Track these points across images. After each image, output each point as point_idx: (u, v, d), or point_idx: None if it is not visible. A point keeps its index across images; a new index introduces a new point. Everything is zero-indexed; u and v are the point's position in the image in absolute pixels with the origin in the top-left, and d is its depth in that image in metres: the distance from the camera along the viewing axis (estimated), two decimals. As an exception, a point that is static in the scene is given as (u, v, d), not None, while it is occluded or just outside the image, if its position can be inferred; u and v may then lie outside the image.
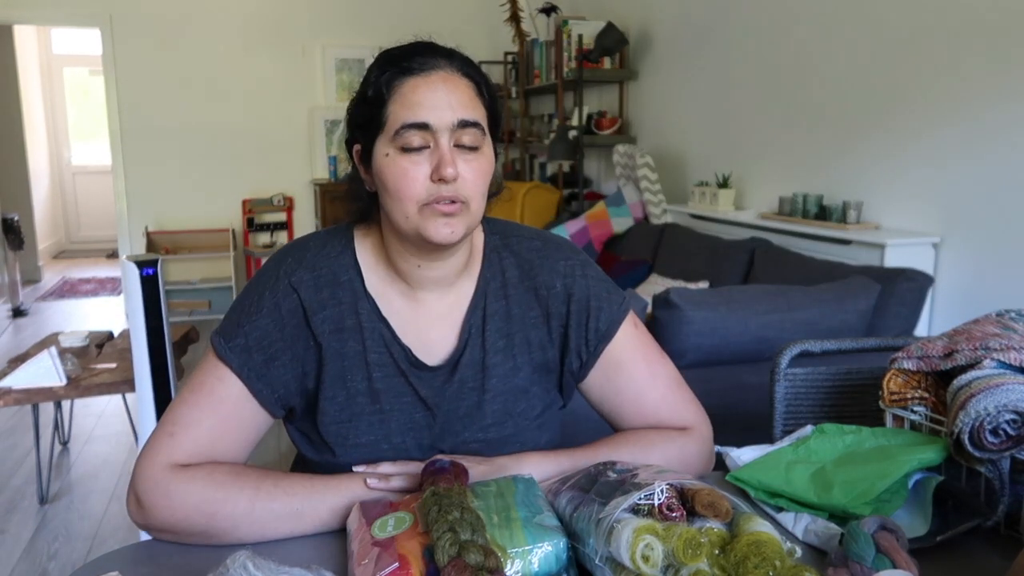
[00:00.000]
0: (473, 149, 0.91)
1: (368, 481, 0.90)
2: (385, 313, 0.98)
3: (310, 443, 1.02)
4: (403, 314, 0.99)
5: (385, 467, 0.94)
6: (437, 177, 0.88)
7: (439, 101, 0.89)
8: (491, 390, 1.00)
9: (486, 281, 1.02)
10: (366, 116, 0.93)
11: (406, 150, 0.89)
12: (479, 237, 1.04)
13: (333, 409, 0.97)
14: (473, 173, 0.91)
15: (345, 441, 0.97)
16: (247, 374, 0.93)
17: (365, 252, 1.00)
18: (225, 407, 0.93)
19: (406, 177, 0.89)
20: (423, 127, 0.89)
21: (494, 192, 0.99)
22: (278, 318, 0.95)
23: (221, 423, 0.93)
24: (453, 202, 0.90)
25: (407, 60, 0.91)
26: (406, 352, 0.98)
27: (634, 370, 1.04)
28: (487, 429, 1.00)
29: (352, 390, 0.97)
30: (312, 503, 0.88)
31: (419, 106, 0.89)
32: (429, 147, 0.89)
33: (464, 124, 0.90)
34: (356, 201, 1.00)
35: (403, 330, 0.99)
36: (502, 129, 1.01)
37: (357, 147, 0.97)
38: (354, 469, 0.94)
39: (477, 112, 0.92)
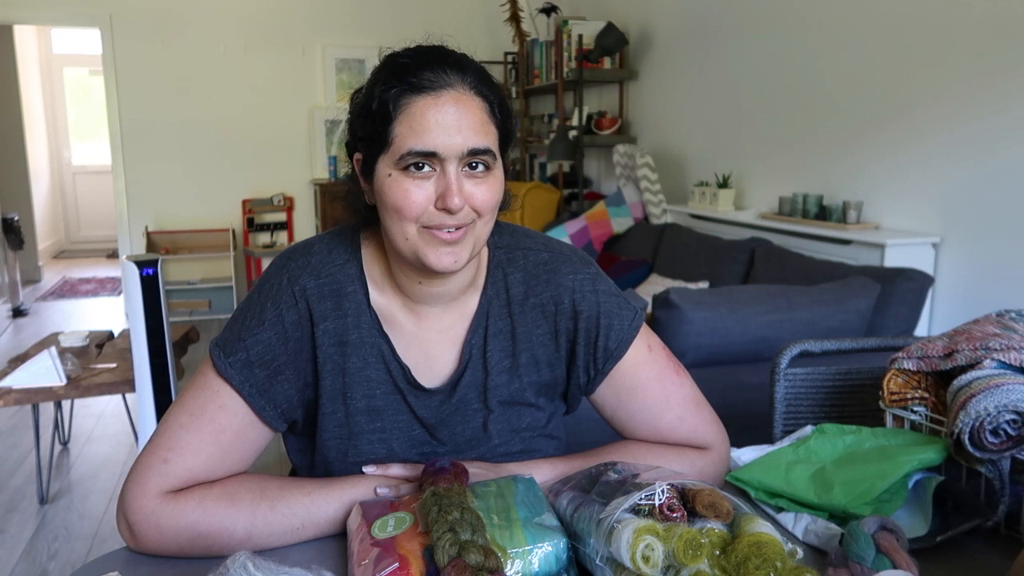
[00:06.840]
0: (484, 171, 0.88)
1: (377, 490, 0.89)
2: (387, 328, 0.95)
3: (307, 459, 1.00)
4: (406, 329, 0.96)
5: (395, 469, 0.94)
6: (442, 206, 0.85)
7: (449, 127, 0.84)
8: (495, 410, 0.98)
9: (488, 300, 0.98)
10: (369, 130, 0.88)
11: (410, 173, 0.85)
12: (484, 252, 1.00)
13: (333, 425, 0.95)
14: (482, 193, 0.87)
15: (345, 457, 0.95)
16: (249, 391, 0.90)
17: (369, 262, 0.96)
18: (226, 436, 0.90)
19: (408, 199, 0.85)
20: (431, 155, 0.84)
21: (502, 208, 0.96)
22: (281, 330, 0.91)
23: (220, 452, 0.89)
24: (458, 228, 0.86)
25: (416, 75, 0.85)
26: (404, 371, 0.96)
27: (647, 394, 1.00)
28: (495, 449, 0.98)
29: (352, 408, 0.94)
30: (312, 517, 0.87)
31: (427, 132, 0.84)
32: (435, 171, 0.86)
33: (474, 152, 0.85)
34: (355, 211, 0.96)
35: (405, 346, 0.96)
36: (514, 141, 0.97)
37: (358, 156, 0.92)
38: (364, 470, 0.94)
39: (488, 137, 0.87)
